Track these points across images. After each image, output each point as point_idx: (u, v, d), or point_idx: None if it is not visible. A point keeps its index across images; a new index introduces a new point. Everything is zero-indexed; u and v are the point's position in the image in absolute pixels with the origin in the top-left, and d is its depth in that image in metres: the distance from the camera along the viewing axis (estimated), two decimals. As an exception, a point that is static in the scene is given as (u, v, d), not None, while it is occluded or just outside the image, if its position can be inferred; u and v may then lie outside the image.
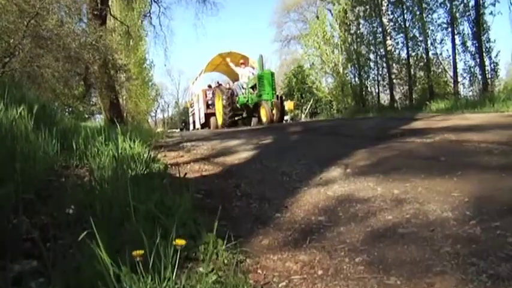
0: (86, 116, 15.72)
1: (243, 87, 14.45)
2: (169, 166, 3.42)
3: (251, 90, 13.43)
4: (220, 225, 1.87)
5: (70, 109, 14.09)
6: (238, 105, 14.35)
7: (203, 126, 20.57)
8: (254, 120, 16.20)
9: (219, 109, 15.24)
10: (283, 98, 15.23)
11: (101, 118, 18.70)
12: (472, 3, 11.99)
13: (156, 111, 50.44)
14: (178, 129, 36.33)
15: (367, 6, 15.43)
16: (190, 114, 23.97)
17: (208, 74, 22.20)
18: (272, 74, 12.94)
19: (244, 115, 15.25)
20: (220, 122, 15.07)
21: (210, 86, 19.99)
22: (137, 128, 7.80)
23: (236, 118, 14.84)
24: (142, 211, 1.68)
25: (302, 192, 2.33)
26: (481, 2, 11.77)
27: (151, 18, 23.52)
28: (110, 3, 20.12)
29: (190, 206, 1.83)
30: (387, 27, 14.96)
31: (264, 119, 12.15)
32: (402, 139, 3.68)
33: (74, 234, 1.86)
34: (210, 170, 3.34)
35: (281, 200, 2.25)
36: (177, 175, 3.18)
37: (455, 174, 2.20)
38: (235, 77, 18.42)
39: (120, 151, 3.55)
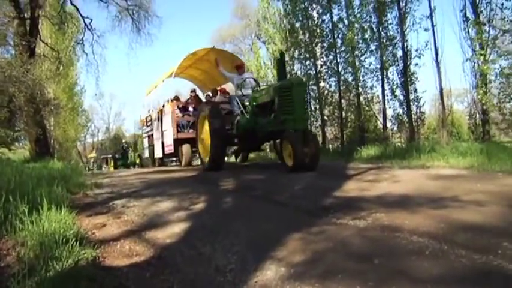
0: (9, 141, 14.99)
1: (242, 104, 10.02)
2: (98, 248, 3.25)
3: (256, 109, 9.29)
4: None
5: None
6: (236, 131, 9.87)
7: (168, 157, 15.86)
8: (243, 154, 13.38)
9: (204, 137, 10.14)
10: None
11: (26, 144, 17.95)
12: (400, 53, 12.63)
13: (85, 136, 48.98)
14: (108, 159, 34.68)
15: (302, 49, 15.87)
16: (144, 136, 17.94)
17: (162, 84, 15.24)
18: (304, 86, 8.68)
19: (241, 147, 11.15)
20: (205, 156, 10.07)
21: (177, 98, 14.51)
22: (65, 175, 7.47)
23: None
24: None
25: (237, 308, 2.26)
26: (408, 53, 12.43)
27: (83, 45, 23.00)
28: (39, 26, 19.55)
29: None
30: (321, 70, 15.40)
31: (288, 161, 7.81)
32: (336, 218, 3.70)
33: None
34: (141, 254, 3.19)
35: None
36: (107, 264, 3.04)
37: (389, 291, 2.21)
38: (210, 86, 14.56)
39: (45, 227, 3.36)
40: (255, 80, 11.11)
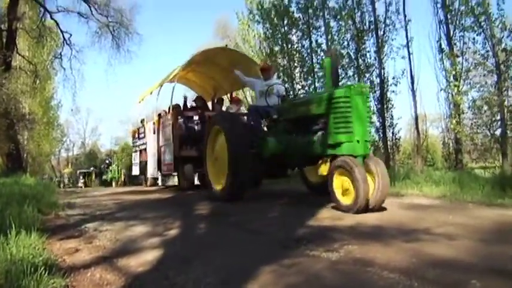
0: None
1: (269, 118, 7.86)
2: (67, 276, 3.19)
3: (288, 125, 7.29)
4: None
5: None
6: (259, 152, 7.39)
7: (165, 177, 14.45)
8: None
9: (218, 157, 7.75)
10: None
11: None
12: (377, 80, 12.90)
13: (59, 151, 48.31)
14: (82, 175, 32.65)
15: (281, 73, 16.03)
16: (134, 150, 15.23)
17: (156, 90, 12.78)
18: (366, 95, 6.09)
19: (264, 172, 8.17)
20: (217, 182, 7.69)
21: (178, 106, 11.80)
22: (37, 193, 7.37)
23: None
24: None
25: None
26: (385, 80, 12.71)
27: (62, 60, 22.91)
28: (16, 39, 19.38)
29: None
30: (299, 94, 15.56)
31: (343, 199, 5.67)
32: (309, 249, 3.71)
33: None
34: (112, 284, 3.13)
35: None
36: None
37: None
38: (208, 93, 13.10)
39: (13, 253, 3.29)
40: (284, 87, 9.28)
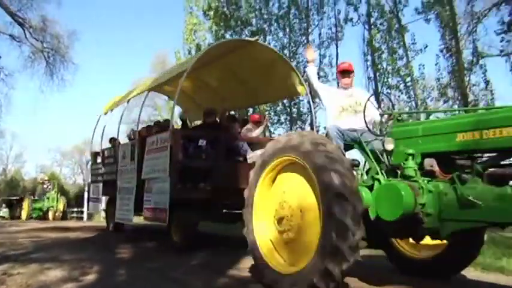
0: None
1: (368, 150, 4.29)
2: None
3: (411, 165, 3.70)
4: None
5: None
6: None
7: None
8: None
9: (292, 216, 3.88)
10: None
11: None
12: (308, 128, 13.33)
13: (-26, 178, 45.39)
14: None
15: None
16: (93, 179, 11.14)
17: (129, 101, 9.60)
18: None
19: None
20: (283, 268, 3.91)
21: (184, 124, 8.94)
22: None
23: None
24: None
25: None
26: (315, 129, 13.18)
27: (-12, 82, 21.99)
28: None
29: None
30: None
31: None
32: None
33: None
34: None
35: None
36: None
37: None
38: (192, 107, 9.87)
39: None
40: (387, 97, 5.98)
